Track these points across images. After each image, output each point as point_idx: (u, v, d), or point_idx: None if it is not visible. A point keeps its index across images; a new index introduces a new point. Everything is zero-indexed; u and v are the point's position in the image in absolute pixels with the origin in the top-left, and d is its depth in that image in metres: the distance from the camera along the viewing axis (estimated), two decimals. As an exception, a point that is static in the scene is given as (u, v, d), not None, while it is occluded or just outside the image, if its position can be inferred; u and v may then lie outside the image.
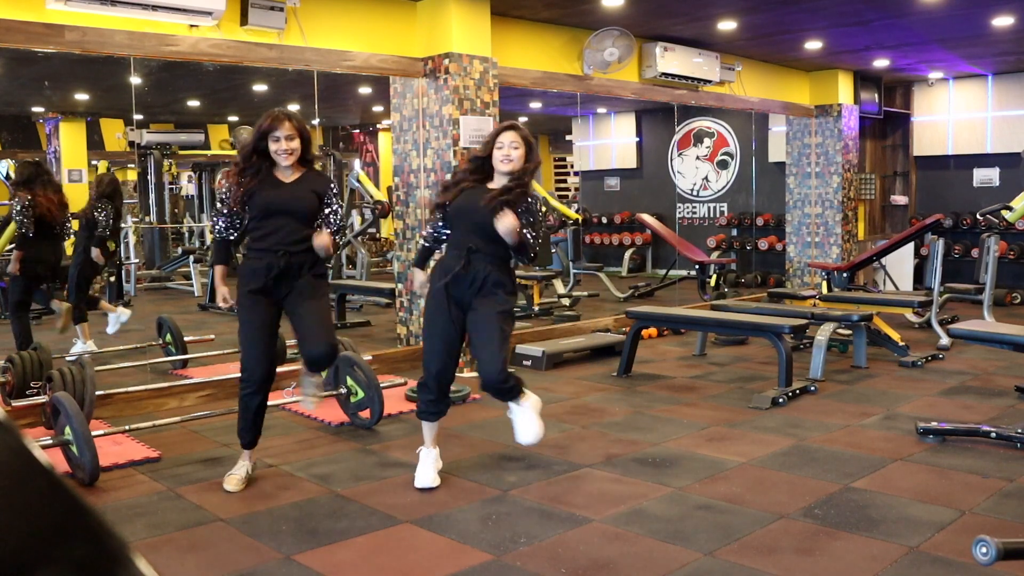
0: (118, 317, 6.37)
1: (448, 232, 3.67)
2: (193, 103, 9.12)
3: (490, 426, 4.65)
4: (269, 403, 4.91)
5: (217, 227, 3.70)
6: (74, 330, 6.20)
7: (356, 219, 10.19)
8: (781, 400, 5.01)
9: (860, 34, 7.78)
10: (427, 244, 3.81)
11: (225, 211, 3.65)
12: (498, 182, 3.57)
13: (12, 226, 5.82)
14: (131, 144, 7.86)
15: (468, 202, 3.54)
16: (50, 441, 3.77)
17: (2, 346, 6.30)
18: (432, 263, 3.84)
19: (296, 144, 3.57)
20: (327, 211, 3.68)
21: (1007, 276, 9.54)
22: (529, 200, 3.53)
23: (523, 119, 12.26)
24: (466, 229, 3.54)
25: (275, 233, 3.55)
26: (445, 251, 3.68)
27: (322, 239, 3.59)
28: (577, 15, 6.78)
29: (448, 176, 3.77)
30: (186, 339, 6.12)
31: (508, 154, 3.52)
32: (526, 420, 3.61)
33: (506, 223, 3.36)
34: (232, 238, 3.71)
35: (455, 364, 3.67)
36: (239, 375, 3.70)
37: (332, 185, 3.77)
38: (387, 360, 6.10)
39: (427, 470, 3.64)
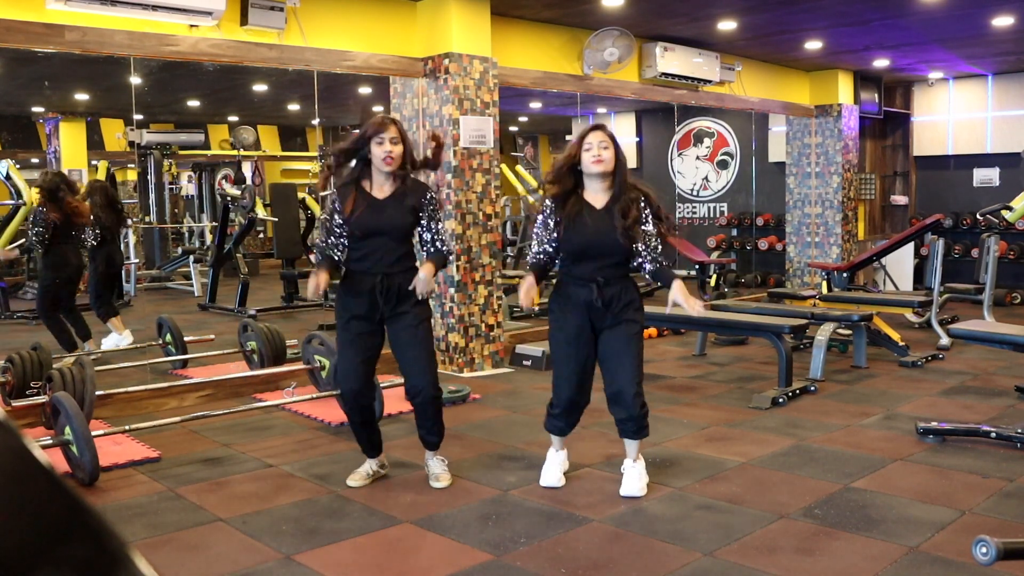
0: (121, 339, 6.40)
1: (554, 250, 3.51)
2: (193, 103, 9.13)
3: (490, 426, 4.65)
4: (269, 403, 4.95)
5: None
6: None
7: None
8: (781, 400, 5.01)
9: (860, 34, 7.78)
10: (542, 260, 3.58)
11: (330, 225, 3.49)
12: (591, 187, 3.47)
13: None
14: (131, 144, 7.87)
15: (586, 228, 3.42)
16: (50, 441, 3.77)
17: (2, 346, 6.30)
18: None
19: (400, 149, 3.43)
20: (427, 233, 3.54)
21: (1007, 276, 9.53)
22: (643, 199, 3.47)
23: (523, 119, 12.27)
24: (591, 255, 3.45)
25: (373, 254, 3.45)
26: (565, 278, 3.55)
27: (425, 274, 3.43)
28: (577, 15, 6.78)
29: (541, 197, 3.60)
30: (186, 339, 6.11)
31: (599, 155, 3.42)
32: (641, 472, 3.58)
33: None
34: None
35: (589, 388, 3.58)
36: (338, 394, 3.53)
37: (430, 194, 3.55)
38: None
39: (554, 469, 3.65)
